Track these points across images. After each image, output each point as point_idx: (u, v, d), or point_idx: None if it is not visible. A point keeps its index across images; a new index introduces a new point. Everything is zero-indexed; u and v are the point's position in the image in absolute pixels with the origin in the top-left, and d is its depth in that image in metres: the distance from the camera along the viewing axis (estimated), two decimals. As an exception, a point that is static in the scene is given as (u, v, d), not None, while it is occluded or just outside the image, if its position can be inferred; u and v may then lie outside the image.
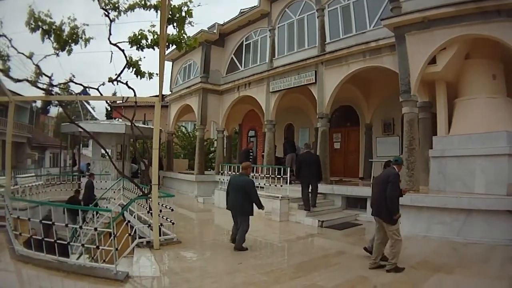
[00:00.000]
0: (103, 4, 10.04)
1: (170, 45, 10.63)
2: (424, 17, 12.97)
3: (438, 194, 12.50)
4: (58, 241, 8.16)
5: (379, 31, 15.36)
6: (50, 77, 11.36)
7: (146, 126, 29.65)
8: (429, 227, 11.82)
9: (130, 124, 11.62)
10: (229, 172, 18.88)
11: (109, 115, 52.96)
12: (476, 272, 8.53)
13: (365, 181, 18.80)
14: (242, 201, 10.51)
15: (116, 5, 10.20)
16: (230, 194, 10.88)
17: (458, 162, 12.88)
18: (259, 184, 16.77)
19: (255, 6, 22.57)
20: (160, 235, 10.30)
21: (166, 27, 9.48)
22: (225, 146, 28.81)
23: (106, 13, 10.17)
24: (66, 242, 8.22)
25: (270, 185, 16.48)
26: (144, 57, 10.99)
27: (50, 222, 8.23)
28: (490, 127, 12.43)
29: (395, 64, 14.17)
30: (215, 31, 25.26)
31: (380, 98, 20.69)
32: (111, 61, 10.75)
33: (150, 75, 11.07)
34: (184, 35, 10.47)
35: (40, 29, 10.33)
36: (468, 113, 13.58)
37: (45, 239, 8.20)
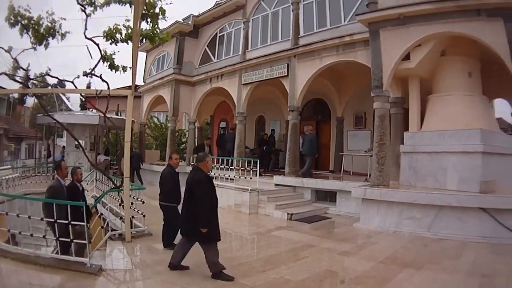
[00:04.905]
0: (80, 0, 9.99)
1: (144, 39, 11.03)
2: (401, 14, 12.71)
3: (408, 189, 12.30)
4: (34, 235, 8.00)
5: (353, 26, 15.01)
6: (26, 70, 11.19)
7: (119, 117, 29.19)
8: (400, 222, 11.56)
9: (103, 116, 11.41)
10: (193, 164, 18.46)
11: (83, 106, 52.35)
12: (447, 268, 8.29)
13: (336, 174, 18.52)
14: None
15: (93, 0, 10.19)
16: None
17: (430, 158, 12.69)
18: (229, 176, 16.47)
19: (231, -2, 22.08)
20: (131, 228, 10.11)
21: (140, 22, 9.49)
22: (196, 137, 28.53)
23: (83, 8, 10.12)
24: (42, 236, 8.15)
25: (239, 177, 16.11)
26: (118, 51, 11.11)
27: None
28: (464, 124, 12.26)
29: (369, 59, 13.90)
30: (189, 22, 24.72)
31: (352, 92, 20.51)
32: (91, 57, 10.99)
33: (124, 69, 11.06)
34: (157, 29, 10.58)
35: (19, 24, 10.19)
36: (441, 109, 13.39)
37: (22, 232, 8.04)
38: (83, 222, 7.67)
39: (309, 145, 16.99)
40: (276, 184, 16.88)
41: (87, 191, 16.13)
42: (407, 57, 13.16)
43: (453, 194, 11.13)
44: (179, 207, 9.10)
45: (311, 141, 17.01)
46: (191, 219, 7.09)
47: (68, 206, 7.50)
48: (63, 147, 31.29)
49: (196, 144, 26.15)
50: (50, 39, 10.62)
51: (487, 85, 14.63)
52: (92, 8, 10.31)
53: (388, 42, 13.13)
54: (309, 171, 17.07)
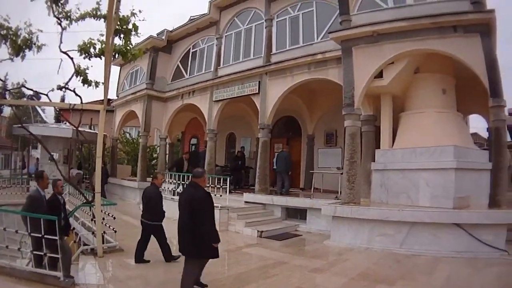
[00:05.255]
0: (56, 13, 9.92)
1: (117, 54, 10.76)
2: (374, 31, 12.50)
3: (380, 206, 12.10)
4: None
5: (326, 43, 14.82)
6: (4, 81, 11.60)
7: (92, 131, 28.74)
8: (371, 239, 11.28)
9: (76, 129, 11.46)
10: (171, 180, 18.03)
11: (58, 118, 51.78)
12: (421, 283, 8.16)
13: (306, 191, 18.20)
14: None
15: (68, 14, 10.15)
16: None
17: (402, 175, 12.53)
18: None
19: (205, 13, 21.70)
20: (103, 243, 10.05)
21: (113, 38, 9.59)
22: (167, 153, 28.14)
23: (59, 21, 10.11)
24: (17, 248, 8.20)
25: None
26: (92, 66, 11.02)
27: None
28: (437, 141, 12.09)
29: (340, 77, 13.61)
30: (163, 37, 24.26)
31: (323, 109, 20.24)
32: (58, 72, 10.89)
33: (97, 84, 11.02)
34: (130, 45, 10.64)
35: None
36: (414, 126, 13.22)
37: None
38: (63, 235, 7.94)
39: (283, 162, 16.83)
40: (246, 202, 16.48)
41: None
42: (379, 74, 12.93)
43: (426, 210, 10.97)
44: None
45: (286, 158, 16.89)
46: (192, 237, 6.73)
47: (42, 219, 7.35)
48: (37, 159, 30.62)
49: (166, 160, 25.85)
50: (26, 50, 10.44)
51: (462, 101, 14.58)
52: (67, 22, 10.26)
53: (360, 60, 12.88)
54: (283, 188, 16.91)
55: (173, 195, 16.37)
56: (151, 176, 24.59)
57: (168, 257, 9.47)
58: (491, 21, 11.17)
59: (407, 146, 12.77)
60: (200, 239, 6.64)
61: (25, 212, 7.69)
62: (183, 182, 16.26)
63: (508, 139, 17.09)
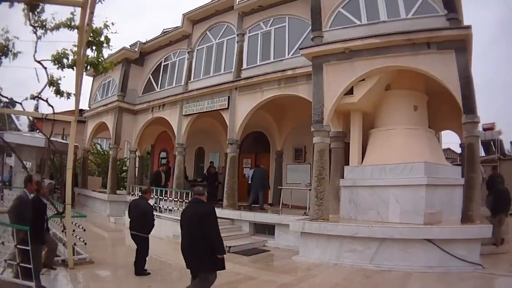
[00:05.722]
0: (32, 21, 9.76)
1: (89, 66, 10.73)
2: (347, 48, 12.27)
3: (349, 222, 11.85)
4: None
5: (297, 59, 14.61)
6: None
7: (64, 141, 28.17)
8: (340, 254, 11.02)
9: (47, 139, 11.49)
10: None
11: (32, 126, 51.22)
12: None
13: (274, 207, 17.89)
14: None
15: (44, 23, 10.05)
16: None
17: (371, 191, 12.28)
18: (167, 207, 15.82)
19: (178, 26, 21.40)
20: (73, 255, 10.09)
21: (85, 49, 9.54)
22: (137, 166, 27.59)
23: (34, 29, 9.99)
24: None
25: (178, 208, 15.20)
26: (64, 77, 11.07)
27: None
28: (408, 158, 11.90)
29: (310, 93, 13.36)
30: (136, 49, 23.82)
31: (292, 125, 19.97)
32: (39, 81, 10.92)
33: (68, 95, 11.08)
34: (101, 58, 10.61)
35: None
36: (384, 143, 13.00)
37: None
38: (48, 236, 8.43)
39: (260, 179, 17.04)
40: (215, 217, 16.11)
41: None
42: (350, 91, 12.67)
43: (396, 227, 10.79)
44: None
45: (262, 176, 17.27)
46: (206, 251, 6.85)
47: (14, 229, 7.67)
48: (11, 167, 29.92)
49: (136, 174, 25.55)
50: (3, 57, 10.55)
51: (435, 117, 14.53)
52: (43, 31, 10.13)
53: (331, 76, 12.65)
54: (256, 203, 16.99)
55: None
56: (121, 188, 24.34)
57: (140, 270, 9.51)
58: (467, 37, 11.06)
59: (376, 163, 12.52)
60: (213, 253, 6.74)
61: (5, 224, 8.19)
62: (163, 197, 16.48)
63: (482, 154, 17.19)
